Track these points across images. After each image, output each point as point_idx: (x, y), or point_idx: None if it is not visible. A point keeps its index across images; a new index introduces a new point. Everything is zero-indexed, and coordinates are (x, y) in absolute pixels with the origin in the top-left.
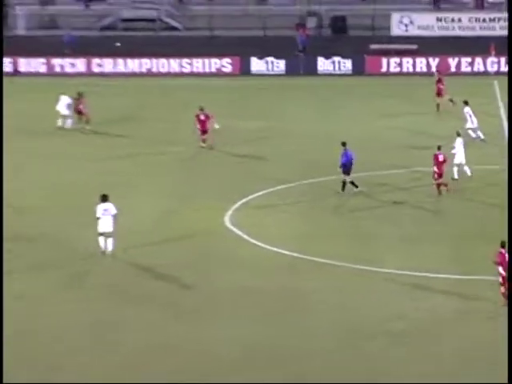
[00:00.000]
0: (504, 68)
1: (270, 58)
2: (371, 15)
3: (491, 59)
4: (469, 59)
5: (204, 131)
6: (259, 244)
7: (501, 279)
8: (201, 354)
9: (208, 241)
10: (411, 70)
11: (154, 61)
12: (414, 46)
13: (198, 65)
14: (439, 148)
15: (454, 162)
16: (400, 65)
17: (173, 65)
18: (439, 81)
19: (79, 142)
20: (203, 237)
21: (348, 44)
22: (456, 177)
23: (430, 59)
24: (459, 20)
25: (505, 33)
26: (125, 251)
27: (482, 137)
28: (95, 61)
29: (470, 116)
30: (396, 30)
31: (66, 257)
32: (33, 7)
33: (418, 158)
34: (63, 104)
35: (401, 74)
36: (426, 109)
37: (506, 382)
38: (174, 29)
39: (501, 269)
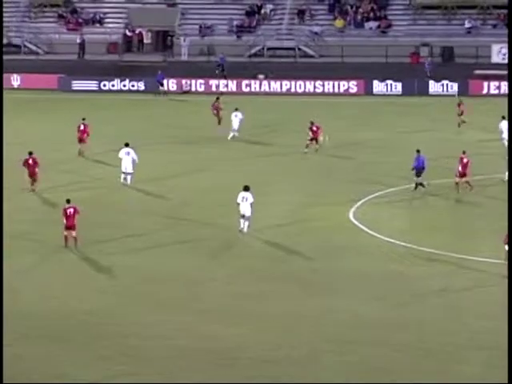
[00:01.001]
0: None
1: (389, 81)
2: (475, 46)
3: None
4: None
5: (314, 139)
6: (376, 235)
7: None
8: (326, 321)
9: (334, 231)
10: (508, 91)
11: (293, 82)
12: None
13: (329, 86)
14: (464, 152)
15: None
16: (499, 87)
17: (308, 86)
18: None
19: (233, 148)
20: (330, 228)
21: (455, 70)
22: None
23: None
24: None
25: None
26: (263, 234)
27: None
28: (244, 82)
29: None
30: (495, 58)
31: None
32: (194, 38)
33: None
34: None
35: (499, 95)
36: None
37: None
38: (310, 56)
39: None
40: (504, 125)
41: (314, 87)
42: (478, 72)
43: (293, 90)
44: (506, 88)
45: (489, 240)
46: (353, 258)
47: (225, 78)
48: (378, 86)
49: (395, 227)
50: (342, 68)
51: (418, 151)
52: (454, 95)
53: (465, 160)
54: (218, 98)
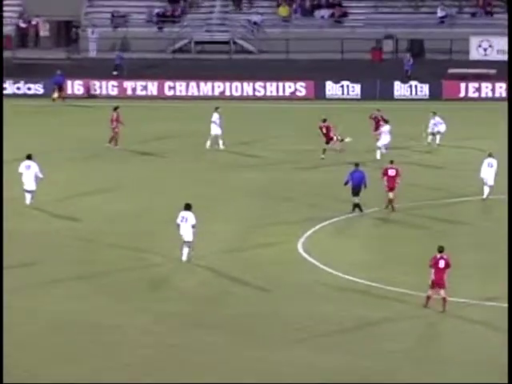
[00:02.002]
0: None
1: (345, 82)
2: (449, 39)
3: None
4: None
5: (329, 140)
6: (329, 270)
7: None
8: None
9: (280, 267)
10: (490, 95)
11: (227, 84)
12: (493, 71)
13: (272, 88)
14: (392, 162)
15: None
16: (478, 90)
17: (246, 88)
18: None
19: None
20: (275, 263)
21: (425, 68)
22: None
23: None
24: None
25: None
26: (196, 270)
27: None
28: (167, 83)
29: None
30: (474, 53)
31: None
32: (104, 30)
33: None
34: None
35: (479, 98)
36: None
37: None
38: (249, 52)
39: (433, 272)
40: (435, 121)
41: (254, 90)
42: (453, 71)
43: (227, 93)
44: (488, 90)
45: (468, 278)
46: (300, 299)
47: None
48: (331, 89)
49: (352, 260)
50: (287, 66)
51: (357, 165)
52: None
53: (390, 172)
54: (115, 109)
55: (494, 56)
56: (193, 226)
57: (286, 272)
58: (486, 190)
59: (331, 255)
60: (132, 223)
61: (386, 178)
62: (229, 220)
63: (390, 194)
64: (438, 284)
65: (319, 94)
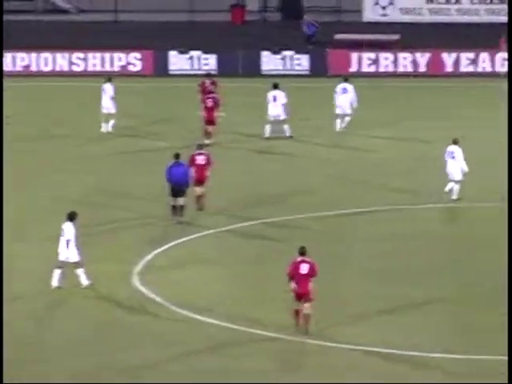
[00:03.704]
0: None
1: (195, 53)
2: None
3: (501, 55)
4: (471, 55)
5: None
6: (177, 310)
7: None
8: None
9: (106, 306)
10: (391, 69)
11: (33, 56)
12: (396, 37)
13: (96, 61)
14: (201, 146)
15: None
16: (376, 62)
17: (60, 61)
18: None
19: None
20: (101, 302)
21: (304, 33)
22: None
23: (418, 55)
24: (457, 1)
25: None
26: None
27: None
28: None
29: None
30: (369, 13)
31: None
32: None
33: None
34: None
35: (377, 74)
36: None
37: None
38: (63, 11)
39: (293, 281)
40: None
41: (70, 63)
42: (340, 37)
43: (33, 68)
44: (389, 63)
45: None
46: (134, 347)
47: None
48: (176, 62)
49: (207, 294)
50: (116, 31)
51: (177, 156)
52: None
53: (199, 160)
54: None
55: (395, 17)
56: (67, 243)
57: (118, 311)
58: (452, 186)
59: (177, 288)
60: None
61: (193, 167)
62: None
63: (197, 189)
64: (302, 295)
65: (160, 68)
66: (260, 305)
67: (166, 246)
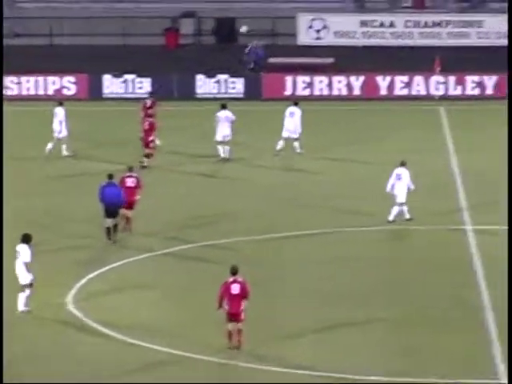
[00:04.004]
0: (453, 90)
1: (129, 76)
2: (270, 17)
3: (436, 78)
4: (405, 78)
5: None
6: (114, 335)
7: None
8: None
9: (39, 333)
10: (326, 92)
11: None
12: (330, 60)
13: (29, 85)
14: (131, 169)
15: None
16: (310, 85)
17: None
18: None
19: None
20: (34, 328)
21: (238, 57)
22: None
23: (352, 78)
24: (391, 24)
25: (454, 41)
26: None
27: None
28: None
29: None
30: (304, 37)
31: None
32: None
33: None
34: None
35: (311, 98)
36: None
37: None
38: None
39: (225, 303)
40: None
41: (3, 87)
42: (275, 60)
43: None
44: (323, 86)
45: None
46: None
47: None
48: (110, 85)
49: (142, 320)
50: (50, 54)
51: (110, 176)
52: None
53: (128, 182)
54: None
55: (330, 40)
56: (24, 265)
57: (53, 336)
58: (398, 209)
59: (112, 312)
60: None
61: (124, 189)
62: None
63: (125, 212)
64: (233, 315)
65: (95, 92)
66: (195, 328)
67: (102, 269)
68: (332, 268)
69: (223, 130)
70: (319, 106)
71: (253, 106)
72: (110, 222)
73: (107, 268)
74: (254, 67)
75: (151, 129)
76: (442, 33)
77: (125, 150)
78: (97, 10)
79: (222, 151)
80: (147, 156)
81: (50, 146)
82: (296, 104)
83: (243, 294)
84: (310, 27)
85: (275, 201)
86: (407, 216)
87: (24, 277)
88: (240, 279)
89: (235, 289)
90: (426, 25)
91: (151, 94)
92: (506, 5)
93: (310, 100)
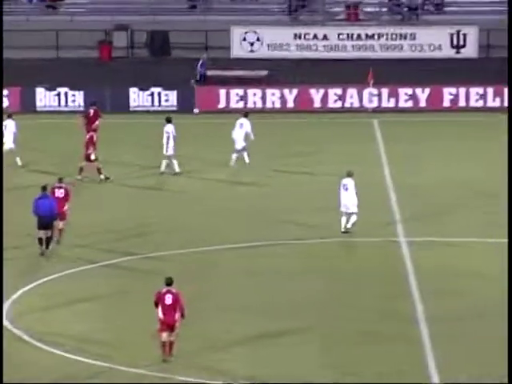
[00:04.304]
0: (386, 103)
1: (62, 89)
2: (204, 30)
3: (369, 90)
4: (338, 90)
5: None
6: (49, 349)
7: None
8: None
9: None
10: (259, 105)
11: None
12: (264, 73)
13: None
14: (61, 180)
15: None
16: (244, 98)
17: None
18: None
19: None
20: None
21: (172, 70)
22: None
23: (286, 91)
24: (325, 37)
25: (387, 54)
26: None
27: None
28: None
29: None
30: (238, 50)
31: None
32: None
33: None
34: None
35: (245, 110)
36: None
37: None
38: None
39: (160, 311)
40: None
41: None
42: (208, 73)
43: None
44: (257, 99)
45: None
46: None
47: None
48: (43, 98)
49: (76, 333)
50: None
51: (44, 188)
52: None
53: (58, 193)
54: None
55: (263, 53)
56: None
57: None
58: (344, 220)
59: (45, 325)
60: None
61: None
62: None
63: (59, 223)
64: (168, 325)
65: (27, 104)
66: (129, 341)
67: (37, 282)
68: (267, 280)
69: (171, 144)
70: (253, 119)
71: (186, 119)
72: (42, 233)
73: (42, 281)
74: (200, 80)
75: (90, 143)
76: (375, 45)
77: (60, 161)
78: (30, 22)
79: (177, 165)
80: (99, 171)
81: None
82: (246, 115)
83: (176, 305)
84: (244, 40)
85: (215, 213)
86: (349, 224)
87: None
88: (174, 290)
89: (168, 300)
90: (359, 37)
91: (94, 103)
92: (438, 17)
93: (239, 112)
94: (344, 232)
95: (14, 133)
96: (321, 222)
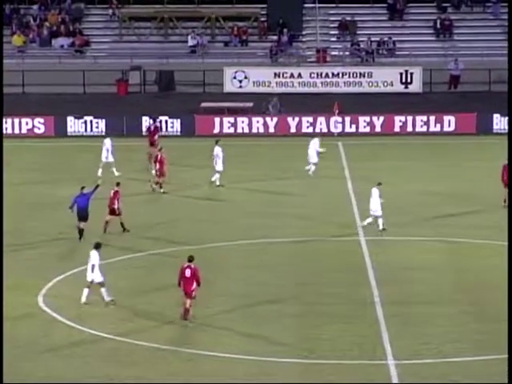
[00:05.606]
0: (349, 128)
1: (88, 118)
2: (202, 70)
3: (335, 118)
4: (310, 118)
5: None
6: (79, 327)
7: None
8: None
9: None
10: (247, 130)
11: None
12: (250, 104)
13: (8, 125)
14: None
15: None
16: (234, 125)
17: None
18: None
19: None
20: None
21: (176, 102)
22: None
23: (268, 119)
24: (299, 75)
25: (350, 89)
26: None
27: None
28: None
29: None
30: (229, 86)
31: None
32: None
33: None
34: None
35: (235, 135)
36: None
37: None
38: None
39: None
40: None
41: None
42: (206, 105)
43: None
44: (244, 125)
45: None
46: (43, 359)
47: None
48: (73, 125)
49: (97, 312)
50: (23, 100)
51: (83, 188)
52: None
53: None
54: None
55: (249, 88)
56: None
57: (26, 329)
58: (369, 219)
59: (77, 308)
60: None
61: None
62: None
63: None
64: (186, 293)
65: (60, 130)
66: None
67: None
68: (254, 272)
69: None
70: (241, 142)
71: (187, 142)
72: (81, 224)
73: (72, 272)
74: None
75: (156, 159)
76: (339, 82)
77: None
78: (62, 64)
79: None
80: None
81: None
82: (217, 142)
83: (193, 278)
84: (234, 78)
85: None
86: (381, 226)
87: (98, 276)
88: (192, 266)
89: (188, 273)
90: (326, 76)
91: (154, 120)
92: (390, 59)
93: (233, 137)
94: (382, 230)
95: (107, 149)
96: (294, 231)
